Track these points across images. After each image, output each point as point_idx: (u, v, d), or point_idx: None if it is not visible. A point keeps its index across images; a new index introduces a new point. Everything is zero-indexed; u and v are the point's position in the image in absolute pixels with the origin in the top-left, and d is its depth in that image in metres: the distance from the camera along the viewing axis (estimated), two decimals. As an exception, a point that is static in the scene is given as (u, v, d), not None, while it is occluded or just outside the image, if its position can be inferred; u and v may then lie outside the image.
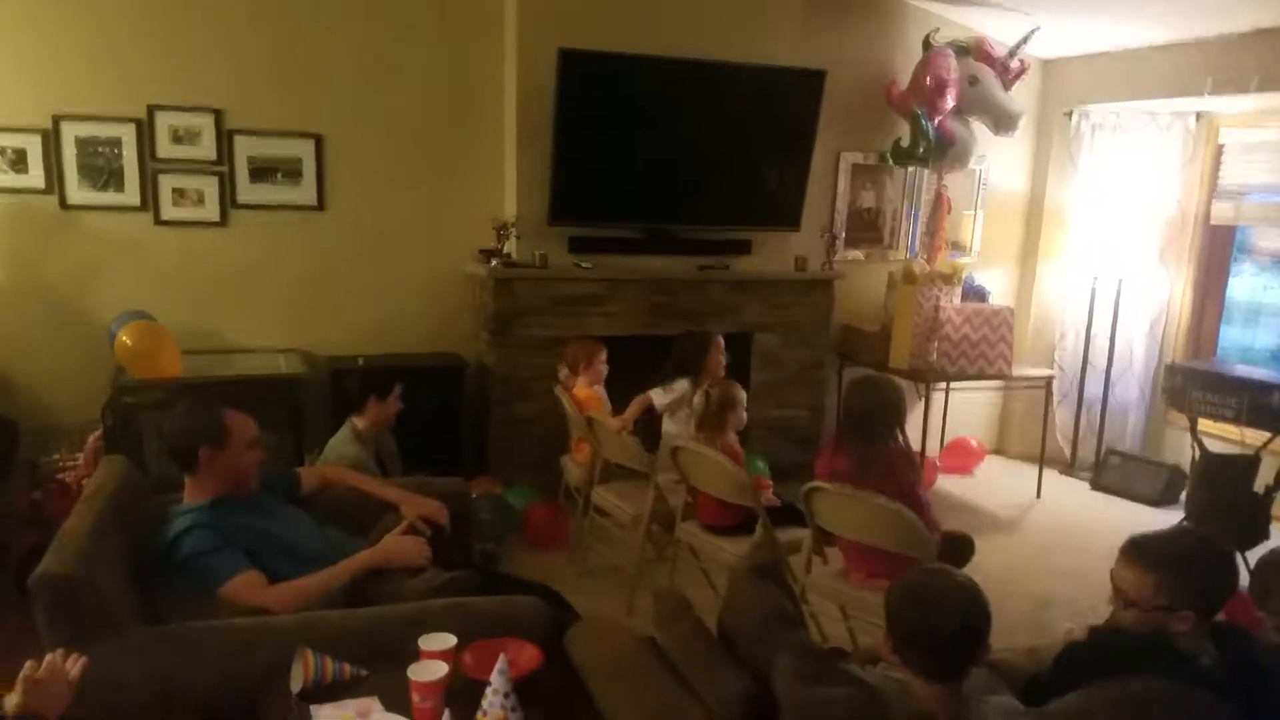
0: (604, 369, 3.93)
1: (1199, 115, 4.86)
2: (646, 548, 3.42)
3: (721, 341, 3.85)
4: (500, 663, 1.71)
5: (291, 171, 4.23)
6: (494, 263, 4.21)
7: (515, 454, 4.30)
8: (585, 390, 3.85)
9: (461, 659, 1.87)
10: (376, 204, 4.40)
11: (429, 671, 1.75)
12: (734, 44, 4.42)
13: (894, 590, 1.65)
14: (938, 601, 1.59)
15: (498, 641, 1.91)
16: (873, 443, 2.81)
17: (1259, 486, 3.74)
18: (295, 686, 1.80)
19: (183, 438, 2.32)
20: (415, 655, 1.83)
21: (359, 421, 3.39)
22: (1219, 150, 4.90)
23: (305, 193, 4.26)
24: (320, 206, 4.30)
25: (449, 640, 1.87)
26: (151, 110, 3.96)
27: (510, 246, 4.29)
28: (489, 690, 1.68)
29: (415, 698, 1.72)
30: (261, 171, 4.19)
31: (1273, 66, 4.17)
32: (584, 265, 4.38)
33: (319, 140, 4.24)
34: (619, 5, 4.30)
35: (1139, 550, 1.81)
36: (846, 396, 2.98)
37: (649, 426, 3.79)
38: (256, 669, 1.90)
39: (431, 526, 2.60)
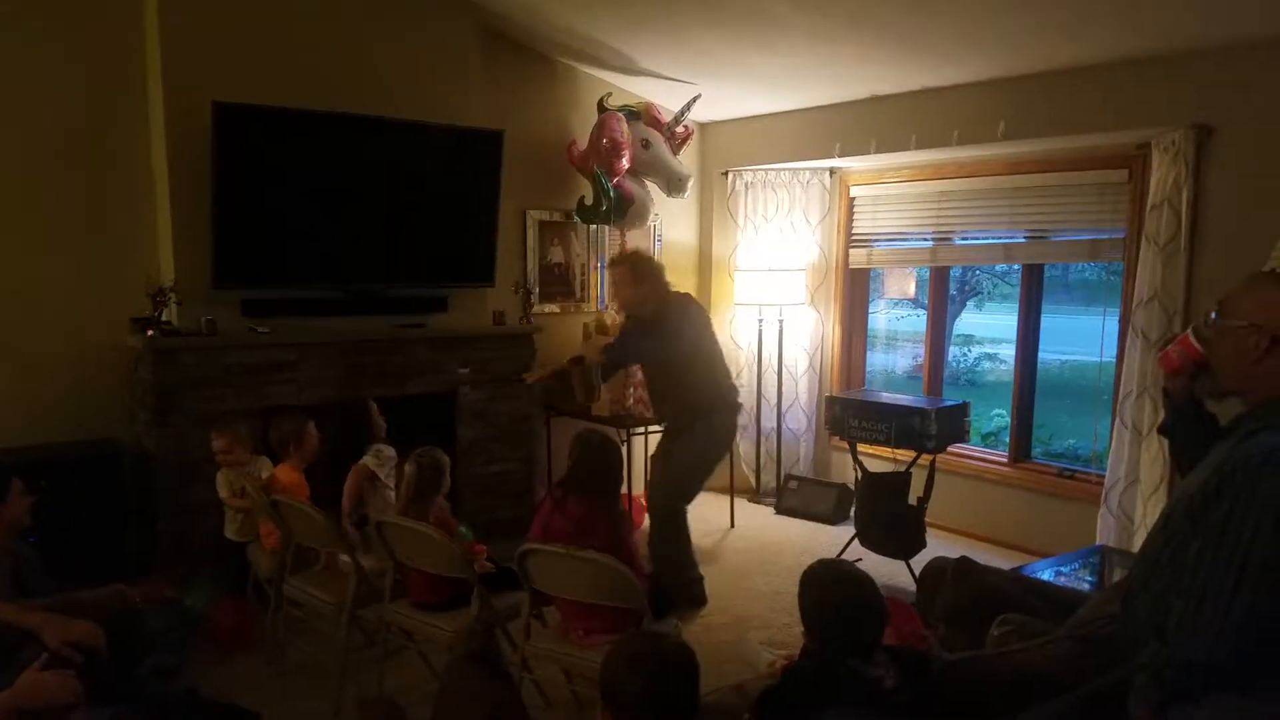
0: (316, 444, 3.63)
1: (833, 172, 5.52)
2: (354, 637, 3.16)
3: (374, 405, 3.73)
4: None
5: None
6: (151, 333, 3.75)
7: (191, 548, 3.80)
8: (292, 473, 3.51)
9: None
10: (5, 275, 3.81)
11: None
12: (414, 102, 4.35)
13: (610, 662, 1.65)
14: (655, 669, 1.62)
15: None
16: (597, 502, 2.85)
17: (912, 499, 4.20)
18: None
19: None
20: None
21: (-18, 536, 2.82)
22: (851, 203, 5.57)
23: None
24: (-70, 282, 3.64)
25: None
26: None
27: (170, 314, 3.86)
28: None
29: None
30: None
31: (887, 129, 4.84)
32: (261, 330, 4.03)
33: (-73, 205, 3.61)
34: (284, 59, 4.06)
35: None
36: (576, 455, 3.00)
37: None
38: None
39: (84, 653, 2.23)
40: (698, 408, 3.83)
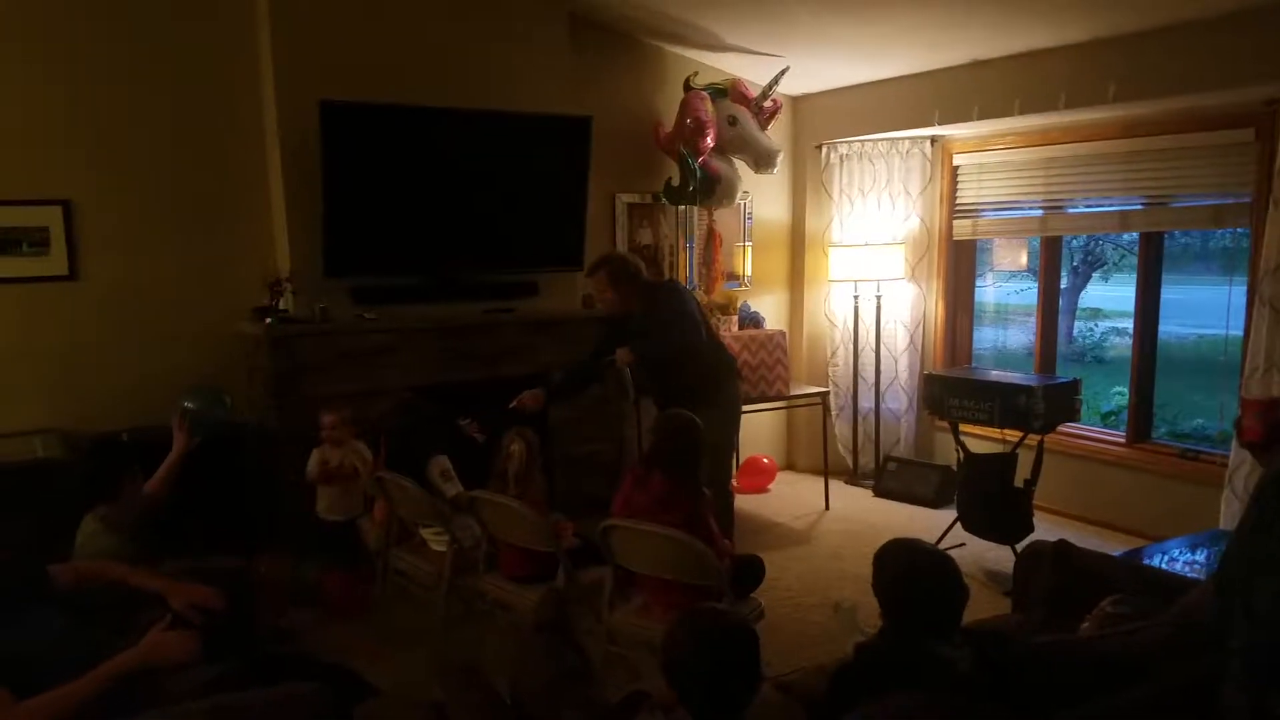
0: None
1: (934, 140, 5.33)
2: (453, 606, 3.33)
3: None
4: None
5: (39, 241, 3.89)
6: (269, 320, 4.00)
7: (308, 521, 4.04)
8: None
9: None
10: (137, 268, 4.12)
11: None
12: (504, 93, 4.47)
13: (671, 637, 1.68)
14: (716, 644, 1.64)
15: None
16: (678, 480, 2.88)
17: (1018, 481, 4.04)
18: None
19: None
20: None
21: (105, 508, 3.09)
22: (954, 172, 5.37)
23: (55, 263, 3.94)
24: (73, 276, 3.99)
25: None
26: None
27: (287, 302, 4.09)
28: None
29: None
30: (2, 244, 3.85)
31: (990, 94, 4.63)
32: (369, 316, 4.24)
33: (67, 206, 3.93)
34: (384, 56, 4.23)
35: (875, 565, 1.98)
36: (659, 434, 3.05)
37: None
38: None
39: (206, 614, 2.39)
40: (718, 378, 3.96)
